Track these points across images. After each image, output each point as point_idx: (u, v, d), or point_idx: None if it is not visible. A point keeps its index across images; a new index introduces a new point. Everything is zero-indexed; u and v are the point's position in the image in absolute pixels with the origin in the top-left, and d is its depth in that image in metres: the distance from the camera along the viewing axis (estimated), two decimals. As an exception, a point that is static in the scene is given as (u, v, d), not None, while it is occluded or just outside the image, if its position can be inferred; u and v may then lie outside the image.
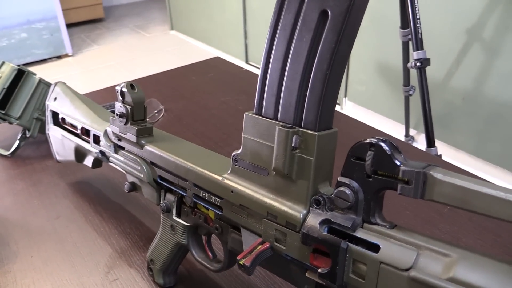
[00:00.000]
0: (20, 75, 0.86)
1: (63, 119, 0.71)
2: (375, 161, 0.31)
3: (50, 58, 3.23)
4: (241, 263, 0.37)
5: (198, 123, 0.99)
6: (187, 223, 0.50)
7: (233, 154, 0.41)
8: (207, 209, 0.46)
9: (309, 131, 0.34)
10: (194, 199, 0.46)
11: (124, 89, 0.51)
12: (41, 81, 0.88)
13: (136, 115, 0.52)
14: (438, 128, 1.77)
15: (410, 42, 1.30)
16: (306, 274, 0.36)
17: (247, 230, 0.41)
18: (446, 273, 0.28)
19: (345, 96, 2.27)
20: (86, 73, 3.02)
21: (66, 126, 0.71)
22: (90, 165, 0.67)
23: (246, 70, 1.30)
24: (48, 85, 0.88)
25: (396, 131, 1.88)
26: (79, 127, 0.66)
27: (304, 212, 0.35)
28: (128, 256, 0.62)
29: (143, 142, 0.52)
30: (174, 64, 1.33)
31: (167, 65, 1.35)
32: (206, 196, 0.44)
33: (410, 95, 1.53)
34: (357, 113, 2.19)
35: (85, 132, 0.65)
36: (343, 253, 0.32)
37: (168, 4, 3.71)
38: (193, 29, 3.50)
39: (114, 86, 1.11)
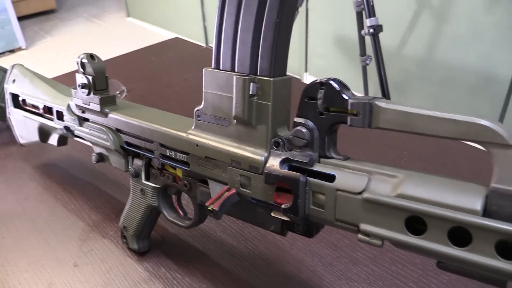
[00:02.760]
0: (-26, 61, 0.84)
1: (23, 100, 0.70)
2: (326, 98, 0.34)
3: (3, 53, 3.12)
4: (210, 208, 0.39)
5: (161, 100, 1.00)
6: (157, 184, 0.51)
7: (195, 109, 0.43)
8: (175, 168, 0.48)
9: (265, 78, 0.36)
10: (162, 159, 0.48)
11: (84, 60, 0.52)
12: (-3, 67, 0.86)
13: (98, 85, 0.53)
14: (396, 95, 1.84)
15: (363, 12, 1.34)
16: (272, 214, 0.39)
17: (214, 180, 0.43)
18: (395, 191, 0.31)
19: (306, 70, 2.31)
20: (42, 65, 2.93)
21: (27, 108, 0.70)
22: (55, 143, 0.67)
23: (206, 48, 1.31)
24: (4, 70, 0.86)
25: (357, 102, 1.94)
26: (41, 106, 0.65)
27: (266, 154, 0.38)
28: (101, 228, 0.63)
29: (107, 110, 0.53)
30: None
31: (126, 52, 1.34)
32: (173, 154, 0.46)
33: (367, 64, 1.58)
34: (319, 87, 2.23)
35: (48, 110, 0.65)
36: (303, 186, 0.35)
37: (122, -10, 3.63)
38: (150, 15, 3.44)
39: (73, 72, 1.09)
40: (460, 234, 0.29)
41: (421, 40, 1.75)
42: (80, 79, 0.53)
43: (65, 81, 1.09)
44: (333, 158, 0.35)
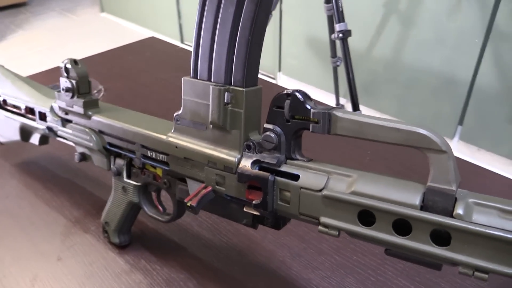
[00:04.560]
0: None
1: (4, 101, 0.72)
2: (292, 108, 0.38)
3: (-28, 47, 3.05)
4: (188, 204, 0.43)
5: (139, 100, 1.03)
6: (138, 182, 0.55)
7: (175, 114, 0.47)
8: (155, 167, 0.52)
9: (238, 88, 0.41)
10: (143, 159, 0.52)
11: (68, 65, 0.55)
12: (-25, 66, 0.87)
13: (81, 89, 0.56)
14: (364, 95, 1.92)
15: (334, 16, 1.40)
16: (244, 209, 0.44)
17: (192, 179, 0.47)
18: (349, 188, 0.36)
19: (279, 70, 2.36)
20: (14, 60, 2.88)
21: (8, 108, 0.73)
22: (37, 142, 0.70)
23: (182, 48, 1.35)
24: (-17, 70, 0.88)
25: (327, 100, 2.00)
26: (23, 106, 0.68)
27: (239, 156, 0.42)
28: (82, 224, 0.66)
29: (90, 113, 0.56)
30: (108, 48, 1.34)
31: (100, 48, 1.35)
32: (154, 155, 0.50)
33: (338, 65, 1.64)
34: (291, 85, 2.29)
35: (30, 111, 0.67)
36: (271, 185, 0.40)
37: (96, -15, 3.59)
38: (124, 11, 3.43)
39: (48, 70, 1.11)
40: (402, 225, 0.34)
41: (389, 43, 1.83)
42: (64, 83, 0.56)
43: (40, 80, 1.11)
44: (298, 160, 0.40)
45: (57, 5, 3.94)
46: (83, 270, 0.58)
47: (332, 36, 1.42)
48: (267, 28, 0.42)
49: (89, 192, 0.73)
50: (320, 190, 0.37)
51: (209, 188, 0.44)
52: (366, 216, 0.36)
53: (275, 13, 2.16)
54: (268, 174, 0.40)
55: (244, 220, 0.45)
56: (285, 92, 0.39)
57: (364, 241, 0.37)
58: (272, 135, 0.40)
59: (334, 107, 0.38)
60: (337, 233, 0.37)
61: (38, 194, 0.73)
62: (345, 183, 0.37)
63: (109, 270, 0.58)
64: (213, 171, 0.44)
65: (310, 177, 0.39)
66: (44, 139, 0.70)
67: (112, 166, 0.57)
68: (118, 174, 0.56)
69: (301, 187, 0.39)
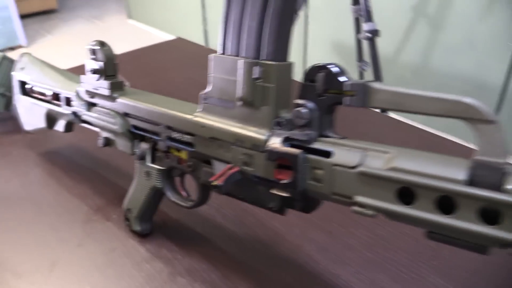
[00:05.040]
0: (-18, 51, 0.86)
1: (31, 88, 0.72)
2: (325, 81, 0.36)
3: (3, 50, 3.13)
4: (214, 183, 0.41)
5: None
6: (162, 167, 0.54)
7: (201, 93, 0.45)
8: (179, 150, 0.50)
9: (269, 62, 0.39)
10: (168, 142, 0.50)
11: (96, 46, 0.54)
12: (4, 57, 0.88)
13: (108, 71, 0.55)
14: (391, 100, 1.87)
15: (360, 18, 1.38)
16: (271, 191, 0.41)
17: (218, 160, 0.45)
18: (387, 164, 0.34)
19: (304, 76, 2.34)
20: (42, 64, 2.96)
21: (35, 95, 0.73)
22: (62, 129, 0.69)
23: (209, 48, 1.34)
24: (11, 61, 0.89)
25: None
26: (50, 93, 0.68)
27: (268, 134, 0.40)
28: (104, 212, 0.65)
29: (115, 95, 0.55)
30: (134, 53, 1.35)
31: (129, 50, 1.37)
32: (179, 136, 0.48)
33: (364, 70, 1.61)
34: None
35: (56, 97, 0.67)
36: (302, 162, 0.38)
37: (124, -7, 3.66)
38: (151, 17, 3.48)
39: (72, 68, 1.11)
40: (445, 204, 0.31)
41: (417, 47, 1.79)
42: (91, 64, 0.55)
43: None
44: (330, 137, 0.38)
45: (86, 12, 4.03)
46: (103, 257, 0.57)
47: (360, 35, 1.40)
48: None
49: (112, 182, 0.72)
50: (355, 167, 0.35)
51: (236, 168, 0.42)
52: (405, 196, 0.33)
53: (300, 18, 2.15)
54: (299, 150, 0.38)
55: (271, 203, 0.43)
56: (317, 65, 0.37)
57: (403, 222, 0.34)
58: (304, 110, 0.38)
59: (368, 80, 0.35)
60: (373, 213, 0.35)
61: (61, 182, 0.72)
62: (383, 160, 0.34)
63: (129, 258, 0.56)
64: (241, 150, 0.42)
65: (344, 153, 0.36)
66: (69, 126, 0.69)
67: (136, 150, 0.55)
68: (142, 158, 0.55)
69: (335, 164, 0.36)
